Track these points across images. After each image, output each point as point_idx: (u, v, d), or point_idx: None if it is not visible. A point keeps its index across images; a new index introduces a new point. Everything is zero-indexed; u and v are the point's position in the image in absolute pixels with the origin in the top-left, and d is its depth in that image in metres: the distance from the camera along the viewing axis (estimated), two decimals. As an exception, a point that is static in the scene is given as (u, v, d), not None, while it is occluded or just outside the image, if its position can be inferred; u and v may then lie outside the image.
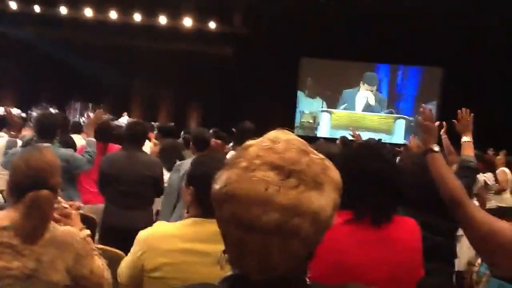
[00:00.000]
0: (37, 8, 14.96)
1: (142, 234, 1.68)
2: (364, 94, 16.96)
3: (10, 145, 4.32)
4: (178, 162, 4.20)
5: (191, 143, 4.42)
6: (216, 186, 0.83)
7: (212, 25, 15.25)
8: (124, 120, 13.11)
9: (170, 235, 1.66)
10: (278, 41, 14.61)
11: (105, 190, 3.94)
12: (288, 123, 15.78)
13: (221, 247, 0.86)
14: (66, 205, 1.90)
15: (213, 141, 4.66)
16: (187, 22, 15.13)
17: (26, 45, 15.55)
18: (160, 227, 1.73)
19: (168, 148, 4.94)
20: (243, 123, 4.64)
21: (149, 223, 3.96)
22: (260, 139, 0.86)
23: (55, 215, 1.87)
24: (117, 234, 3.71)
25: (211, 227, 1.34)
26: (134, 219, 3.84)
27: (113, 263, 1.96)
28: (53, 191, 1.73)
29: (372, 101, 16.96)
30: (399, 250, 1.67)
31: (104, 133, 4.46)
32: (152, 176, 3.94)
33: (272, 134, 0.87)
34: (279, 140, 0.84)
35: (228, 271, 0.87)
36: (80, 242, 1.72)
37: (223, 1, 14.09)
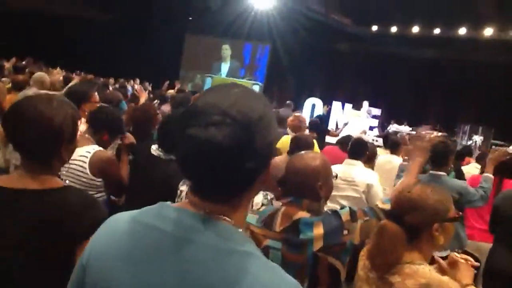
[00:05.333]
0: (437, 31, 15.70)
1: None
2: None
3: (402, 169, 4.61)
4: None
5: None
6: None
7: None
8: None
9: None
10: None
11: (495, 229, 3.74)
12: None
13: None
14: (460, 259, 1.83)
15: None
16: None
17: (425, 66, 16.41)
18: None
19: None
20: None
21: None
22: None
23: (443, 264, 1.80)
24: (501, 277, 3.49)
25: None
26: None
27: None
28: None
29: None
30: None
31: (504, 170, 4.19)
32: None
33: None
34: None
35: None
36: None
37: None
